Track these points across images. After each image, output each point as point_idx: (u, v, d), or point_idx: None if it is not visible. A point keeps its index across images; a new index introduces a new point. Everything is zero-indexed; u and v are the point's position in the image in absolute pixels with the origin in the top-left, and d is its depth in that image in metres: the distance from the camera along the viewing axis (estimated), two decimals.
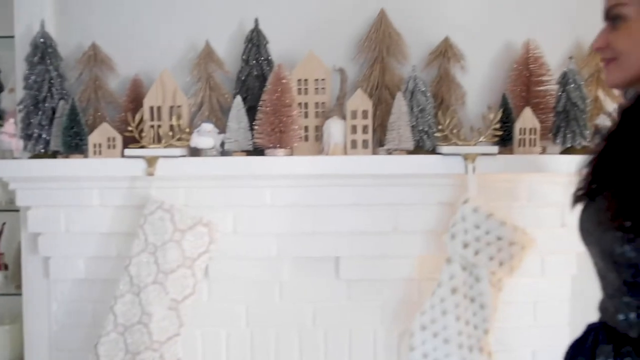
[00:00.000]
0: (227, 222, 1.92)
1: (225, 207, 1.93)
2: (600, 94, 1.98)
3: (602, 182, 1.14)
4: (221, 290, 1.98)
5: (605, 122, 1.88)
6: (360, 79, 1.96)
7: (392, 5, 1.96)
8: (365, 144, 1.84)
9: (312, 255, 1.97)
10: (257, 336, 2.00)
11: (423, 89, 1.87)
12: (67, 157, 1.88)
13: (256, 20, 1.95)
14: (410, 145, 1.83)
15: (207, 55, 1.96)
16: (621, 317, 1.06)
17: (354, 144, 1.84)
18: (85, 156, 1.88)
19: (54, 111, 1.91)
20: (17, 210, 2.15)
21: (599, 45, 1.12)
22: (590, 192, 1.17)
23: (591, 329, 1.15)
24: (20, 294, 2.25)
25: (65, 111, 1.87)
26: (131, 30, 2.02)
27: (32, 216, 1.96)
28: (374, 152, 1.89)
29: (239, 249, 1.94)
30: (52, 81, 1.92)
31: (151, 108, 1.91)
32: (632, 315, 1.04)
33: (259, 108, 1.85)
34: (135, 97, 1.96)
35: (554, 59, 1.97)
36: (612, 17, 1.08)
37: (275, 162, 1.84)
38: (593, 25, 1.29)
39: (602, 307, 1.14)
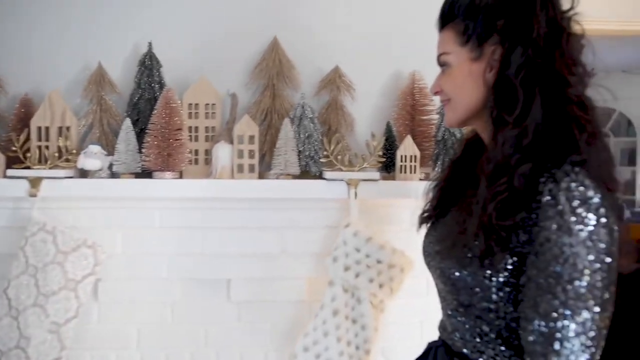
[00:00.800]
0: (116, 244, 1.92)
1: (113, 228, 1.92)
2: None
3: (445, 207, 1.22)
4: (111, 311, 1.97)
5: None
6: (251, 105, 2.01)
7: (284, 33, 2.03)
8: (251, 168, 1.88)
9: (202, 277, 1.99)
10: (147, 358, 1.99)
11: (311, 116, 1.93)
12: None
13: (150, 44, 1.97)
14: (296, 170, 1.88)
15: (100, 77, 1.97)
16: (457, 335, 1.13)
17: (240, 168, 1.88)
18: None
19: None
20: None
21: (434, 90, 1.20)
22: (434, 216, 1.25)
23: (431, 347, 1.22)
24: None
25: None
26: (22, 48, 2.01)
27: None
28: (263, 176, 1.93)
29: (129, 270, 1.94)
30: None
31: (39, 128, 1.89)
32: (467, 335, 1.11)
33: (147, 131, 1.86)
34: (24, 116, 1.94)
35: None
36: (441, 64, 1.17)
37: (163, 185, 1.85)
38: None
39: (441, 326, 1.21)
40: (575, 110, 1.01)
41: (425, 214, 1.28)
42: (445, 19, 1.15)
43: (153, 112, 1.87)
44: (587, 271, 0.91)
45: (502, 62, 1.05)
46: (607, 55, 5.28)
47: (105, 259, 1.87)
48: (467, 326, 1.10)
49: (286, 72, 2.01)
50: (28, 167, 1.83)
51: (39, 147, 1.88)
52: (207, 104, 1.95)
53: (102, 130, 1.97)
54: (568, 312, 0.91)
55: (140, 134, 1.91)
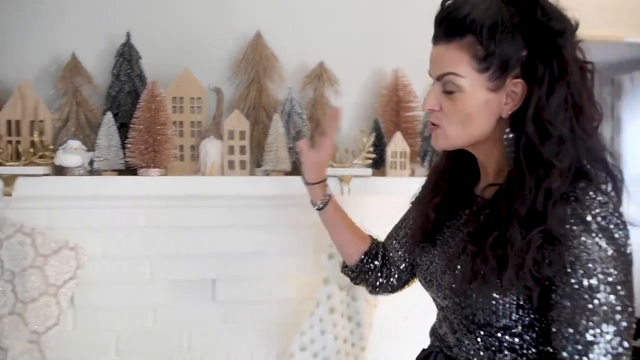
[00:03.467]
0: (96, 246, 1.81)
1: (93, 229, 1.81)
2: None
3: (439, 223, 1.22)
4: (88, 318, 1.85)
5: None
6: (237, 99, 1.95)
7: (267, 28, 1.98)
8: (242, 164, 1.82)
9: (188, 278, 1.91)
10: None
11: (299, 111, 1.90)
12: None
13: (128, 34, 1.87)
14: (287, 166, 1.84)
15: (74, 68, 1.84)
16: (463, 349, 1.11)
17: (231, 164, 1.82)
18: None
19: None
20: None
21: (432, 107, 1.09)
22: (431, 235, 1.23)
23: (430, 352, 1.21)
24: None
25: None
26: None
27: None
28: (251, 173, 1.88)
29: (109, 273, 1.83)
30: None
31: (9, 122, 1.75)
32: (477, 350, 1.08)
33: (131, 126, 1.77)
34: None
35: (419, 87, 2.09)
36: (445, 84, 1.05)
37: (149, 182, 1.76)
38: None
39: (439, 337, 1.20)
40: (598, 151, 1.02)
41: (421, 232, 1.24)
42: (453, 31, 1.02)
43: (137, 106, 1.77)
44: (618, 286, 0.92)
45: (542, 101, 0.99)
46: None
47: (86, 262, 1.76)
48: (478, 341, 1.08)
49: (271, 66, 1.97)
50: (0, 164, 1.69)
51: (10, 142, 1.74)
52: (192, 98, 1.87)
53: (78, 124, 1.84)
54: (602, 326, 0.91)
55: (121, 129, 1.80)
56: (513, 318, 1.01)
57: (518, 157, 1.01)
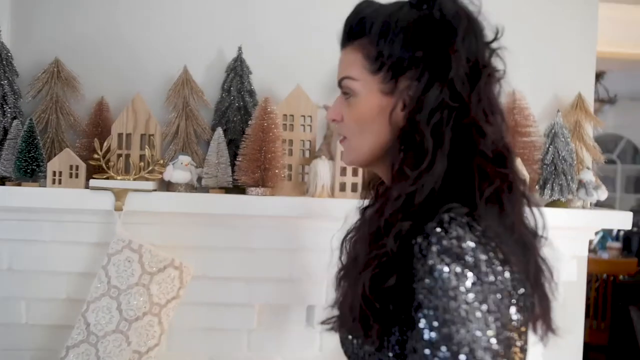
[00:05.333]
0: (196, 265, 1.74)
1: (195, 248, 1.75)
2: (580, 148, 1.99)
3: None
4: (181, 340, 1.79)
5: (588, 176, 1.87)
6: None
7: None
8: (354, 187, 1.74)
9: (284, 302, 1.83)
10: None
11: None
12: (18, 184, 1.66)
13: (239, 49, 1.83)
14: None
15: (185, 83, 1.81)
16: None
17: (342, 186, 1.73)
18: (42, 185, 1.66)
19: (5, 132, 1.70)
20: None
21: (333, 117, 1.00)
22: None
23: None
24: None
25: (20, 133, 1.66)
26: (99, 48, 1.85)
27: None
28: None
29: (205, 294, 1.77)
30: (5, 98, 1.71)
31: (120, 135, 1.73)
32: None
33: (242, 143, 1.71)
34: (99, 122, 1.78)
35: (535, 111, 1.96)
36: (344, 90, 0.98)
37: (257, 202, 1.69)
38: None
39: None
40: (483, 164, 0.86)
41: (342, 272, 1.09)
42: (351, 35, 0.97)
43: (249, 123, 1.71)
44: (467, 338, 0.76)
45: (417, 102, 0.88)
46: (616, 82, 5.31)
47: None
48: None
49: None
50: (110, 178, 1.66)
51: (120, 156, 1.71)
52: (303, 116, 1.80)
53: (186, 139, 1.80)
54: None
55: (229, 145, 1.75)
56: None
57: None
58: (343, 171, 1.73)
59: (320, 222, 1.76)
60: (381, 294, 0.86)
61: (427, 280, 0.79)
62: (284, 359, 1.86)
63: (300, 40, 1.90)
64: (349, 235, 1.12)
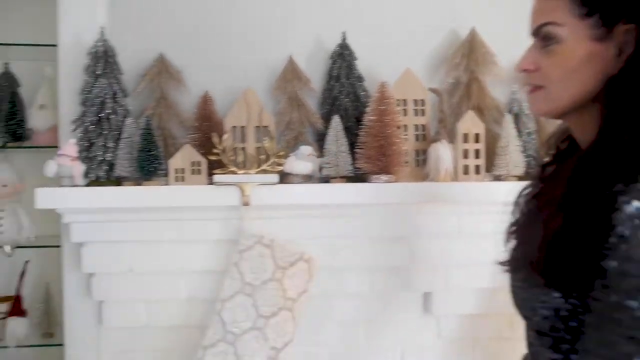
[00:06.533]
0: (320, 257, 1.71)
1: (311, 239, 1.71)
2: None
3: None
4: (300, 332, 1.76)
5: None
6: (457, 101, 1.83)
7: (482, 25, 1.85)
8: (477, 169, 1.71)
9: (401, 290, 1.80)
10: None
11: (527, 112, 1.77)
12: (138, 184, 1.61)
13: (344, 34, 1.78)
14: (520, 170, 1.72)
15: (292, 72, 1.77)
16: None
17: (465, 169, 1.70)
18: (160, 183, 1.62)
19: (119, 131, 1.65)
20: (52, 247, 1.86)
21: (526, 67, 0.94)
22: None
23: None
24: (47, 345, 1.93)
25: (135, 131, 1.61)
26: (200, 42, 1.80)
27: (87, 254, 1.66)
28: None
29: (329, 285, 1.73)
30: (115, 96, 1.65)
31: (234, 128, 1.68)
32: None
33: (361, 130, 1.67)
34: (205, 115, 1.73)
35: None
36: (543, 37, 0.90)
37: (380, 190, 1.65)
38: None
39: None
40: None
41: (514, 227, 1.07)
42: None
43: (367, 109, 1.67)
44: None
45: (637, 49, 0.82)
46: None
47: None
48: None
49: (487, 64, 1.84)
50: (231, 172, 1.62)
51: (235, 149, 1.67)
52: (416, 100, 1.76)
53: (300, 129, 1.76)
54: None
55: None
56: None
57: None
58: (465, 154, 1.70)
59: (442, 206, 1.73)
60: (570, 243, 0.82)
61: (632, 240, 0.76)
62: (402, 348, 1.84)
63: (405, 22, 1.86)
64: (525, 191, 1.09)
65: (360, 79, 1.78)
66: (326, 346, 1.80)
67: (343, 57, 1.77)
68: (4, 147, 1.98)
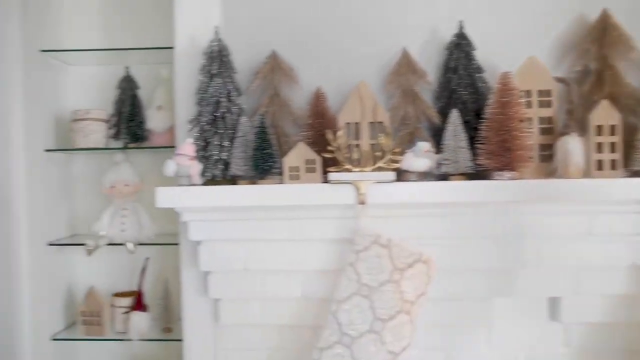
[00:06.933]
0: (440, 258, 1.63)
1: (436, 239, 1.63)
2: None
3: None
4: (417, 336, 1.69)
5: None
6: (587, 89, 1.68)
7: (614, 5, 1.70)
8: (613, 164, 1.56)
9: (526, 295, 1.68)
10: None
11: None
12: (253, 183, 1.61)
13: (461, 23, 1.69)
14: None
15: (406, 65, 1.70)
16: None
17: (599, 164, 1.56)
18: (275, 182, 1.60)
19: (233, 130, 1.65)
20: (171, 244, 1.90)
21: None
22: None
23: None
24: (167, 340, 1.98)
25: (250, 130, 1.61)
26: (312, 37, 1.77)
27: (204, 252, 1.67)
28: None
29: (441, 288, 1.65)
30: (230, 95, 1.66)
31: (347, 125, 1.64)
32: None
33: (481, 124, 1.57)
34: (318, 112, 1.69)
35: None
36: None
37: (505, 187, 1.54)
38: None
39: None
40: None
41: None
42: None
43: (475, 101, 1.58)
44: None
45: None
46: None
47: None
48: None
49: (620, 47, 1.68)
50: (346, 170, 1.57)
51: (349, 146, 1.62)
52: (541, 91, 1.64)
53: (415, 125, 1.69)
54: None
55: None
56: None
57: None
58: (599, 147, 1.56)
59: (572, 205, 1.60)
60: None
61: None
62: (526, 356, 1.72)
63: (526, 6, 1.74)
64: None
65: (479, 70, 1.68)
66: (442, 350, 1.72)
67: (460, 47, 1.68)
68: (125, 147, 2.05)
